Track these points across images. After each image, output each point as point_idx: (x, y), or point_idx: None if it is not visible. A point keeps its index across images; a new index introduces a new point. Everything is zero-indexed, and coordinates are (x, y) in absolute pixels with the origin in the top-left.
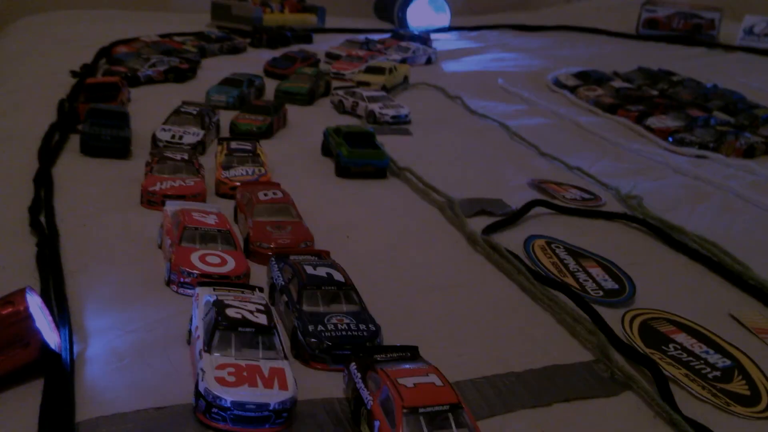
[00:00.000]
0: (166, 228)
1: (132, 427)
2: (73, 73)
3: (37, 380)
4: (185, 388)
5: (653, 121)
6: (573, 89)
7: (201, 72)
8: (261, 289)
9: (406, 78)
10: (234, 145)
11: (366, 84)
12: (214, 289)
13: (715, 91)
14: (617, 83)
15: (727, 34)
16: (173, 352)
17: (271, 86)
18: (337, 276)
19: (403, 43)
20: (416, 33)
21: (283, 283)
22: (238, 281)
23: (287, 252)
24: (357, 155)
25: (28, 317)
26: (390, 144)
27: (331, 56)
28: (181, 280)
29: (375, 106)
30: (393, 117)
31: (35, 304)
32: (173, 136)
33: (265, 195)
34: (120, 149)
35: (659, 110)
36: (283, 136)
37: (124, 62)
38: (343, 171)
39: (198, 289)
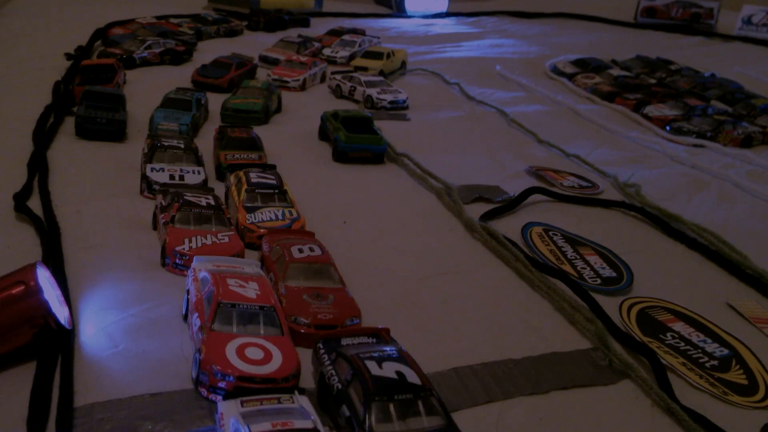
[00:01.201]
0: (194, 300)
1: (127, 413)
2: (68, 56)
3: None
4: (180, 374)
5: (651, 110)
6: (571, 77)
7: (197, 54)
8: (302, 391)
9: (403, 63)
10: (255, 176)
11: (364, 69)
12: (242, 404)
13: (713, 80)
14: (615, 71)
15: (725, 23)
16: (169, 337)
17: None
18: (411, 375)
19: (346, 37)
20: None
21: (339, 386)
22: (286, 384)
23: (336, 334)
24: (354, 140)
25: (38, 292)
26: (388, 129)
27: (267, 60)
28: (217, 384)
29: (373, 91)
30: (391, 102)
31: (45, 278)
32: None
33: (300, 251)
34: (115, 132)
35: (657, 99)
36: (280, 120)
37: (119, 44)
38: (341, 156)
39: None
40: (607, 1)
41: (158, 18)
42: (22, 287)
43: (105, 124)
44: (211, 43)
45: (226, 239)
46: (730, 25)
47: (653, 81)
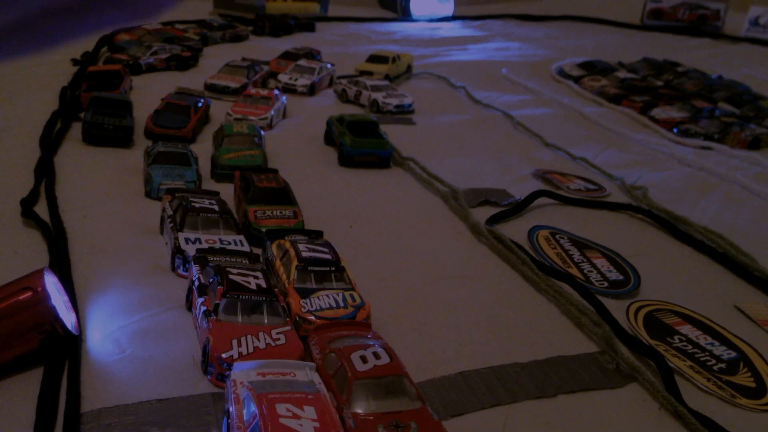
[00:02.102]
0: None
1: (134, 418)
2: (75, 61)
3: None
4: (187, 380)
5: (658, 112)
6: (577, 79)
7: (202, 60)
8: None
9: (409, 67)
10: (305, 249)
11: (369, 73)
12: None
13: (720, 82)
14: (622, 74)
15: (732, 25)
16: (176, 343)
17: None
18: None
19: (303, 63)
20: (309, 50)
21: None
22: None
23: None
24: (360, 144)
25: (46, 299)
26: (393, 133)
27: (215, 89)
28: None
29: (378, 96)
30: (396, 106)
31: (52, 284)
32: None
33: (364, 359)
34: (122, 138)
35: (664, 101)
36: (286, 125)
37: (125, 50)
38: (347, 160)
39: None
40: (613, 3)
41: (164, 24)
42: (30, 294)
43: (112, 130)
44: (217, 49)
45: (283, 339)
46: (737, 26)
47: (660, 83)
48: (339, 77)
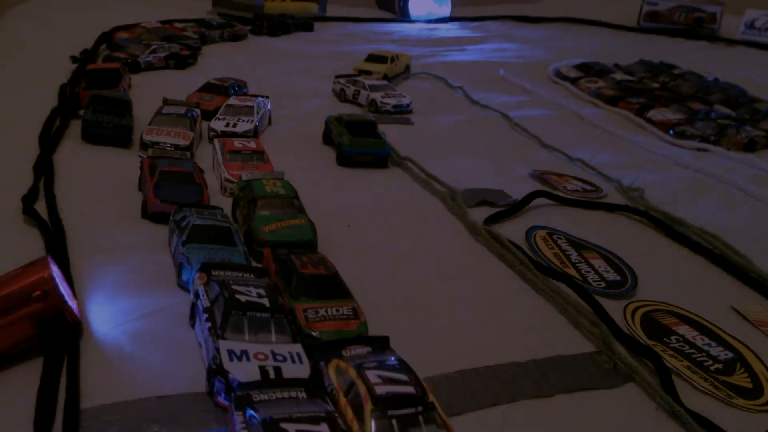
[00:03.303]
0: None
1: (134, 415)
2: (74, 59)
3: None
4: (187, 377)
5: (654, 114)
6: (574, 81)
7: (201, 58)
8: None
9: (407, 67)
10: (373, 373)
11: (367, 73)
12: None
13: (716, 84)
14: (618, 75)
15: (728, 27)
16: (176, 340)
17: None
18: None
19: (235, 102)
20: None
21: None
22: None
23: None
24: (358, 144)
25: (54, 285)
26: (391, 133)
27: (146, 147)
28: None
29: (377, 95)
30: (395, 106)
31: (57, 272)
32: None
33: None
34: (121, 137)
35: (660, 103)
36: (285, 124)
37: (124, 48)
38: (345, 160)
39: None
40: (610, 6)
41: (163, 22)
42: (38, 278)
43: (111, 129)
44: (216, 47)
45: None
46: (733, 29)
47: (656, 85)
48: (337, 76)
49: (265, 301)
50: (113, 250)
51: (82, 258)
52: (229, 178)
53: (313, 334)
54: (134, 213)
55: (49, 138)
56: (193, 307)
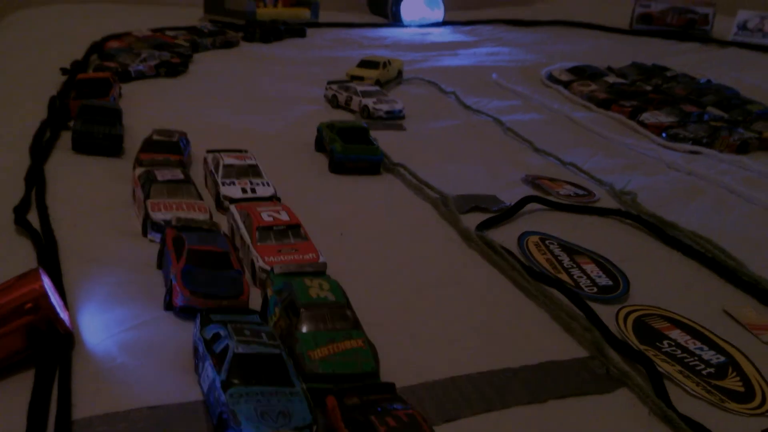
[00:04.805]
0: None
1: (125, 426)
2: (63, 70)
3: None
4: (178, 388)
5: (647, 117)
6: (567, 84)
7: (193, 66)
8: None
9: (400, 73)
10: None
11: (360, 78)
12: None
13: (709, 86)
14: (611, 78)
15: (720, 29)
16: (167, 351)
17: None
18: None
19: (232, 159)
20: None
21: None
22: None
23: None
24: (351, 151)
25: (46, 296)
26: (384, 139)
27: None
28: None
29: (369, 101)
30: (387, 112)
31: (48, 283)
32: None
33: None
34: (112, 147)
35: (653, 106)
36: (277, 131)
37: (115, 57)
38: (337, 166)
39: None
40: (602, 8)
41: (154, 31)
42: (29, 290)
43: (102, 138)
44: (207, 55)
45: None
46: (726, 30)
47: (649, 88)
48: (329, 82)
49: None
50: (105, 260)
51: (74, 268)
52: (266, 267)
53: None
54: (126, 223)
55: (40, 149)
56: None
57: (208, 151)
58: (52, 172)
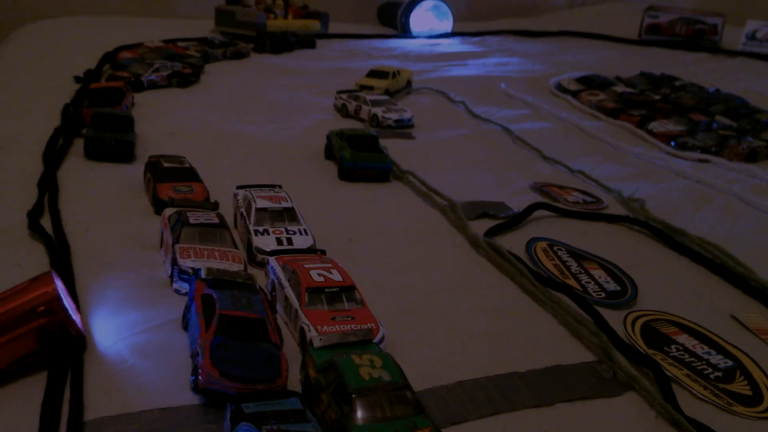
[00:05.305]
0: None
1: (137, 427)
2: (77, 79)
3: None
4: (188, 390)
5: (656, 126)
6: (575, 94)
7: (204, 77)
8: None
9: (409, 82)
10: None
11: (369, 88)
12: None
13: (718, 95)
14: (620, 88)
15: (729, 39)
16: (178, 353)
17: None
18: None
19: (264, 201)
20: None
21: None
22: None
23: None
24: (360, 158)
25: (58, 299)
26: (393, 148)
27: None
28: None
29: (378, 110)
30: (396, 121)
31: (60, 286)
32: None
33: None
34: (124, 153)
35: (662, 115)
36: (287, 139)
37: (127, 67)
38: (347, 174)
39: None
40: (611, 18)
41: (166, 42)
42: (45, 316)
43: (114, 145)
44: (218, 66)
45: None
46: (734, 40)
47: (658, 97)
48: (339, 92)
49: None
50: (117, 264)
51: (87, 272)
52: (320, 336)
53: None
54: (137, 228)
55: (53, 155)
56: None
57: (239, 188)
58: (64, 178)
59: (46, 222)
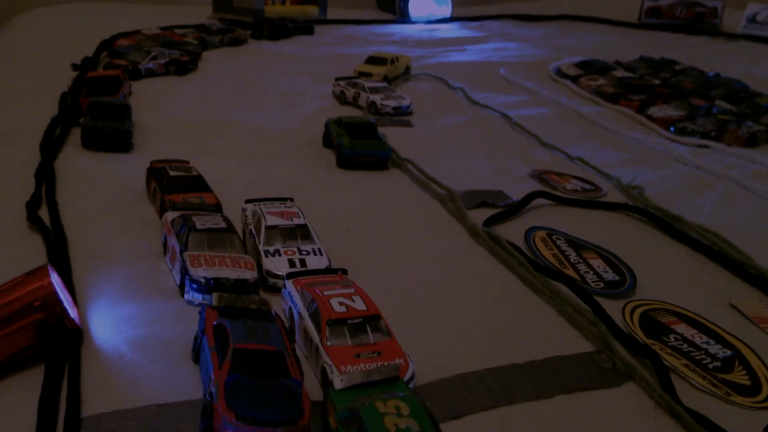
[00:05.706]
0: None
1: (134, 423)
2: (74, 66)
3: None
4: (187, 385)
5: (655, 111)
6: (575, 79)
7: (202, 64)
8: None
9: (407, 68)
10: None
11: (367, 75)
12: None
13: (718, 79)
14: (619, 73)
15: (729, 22)
16: (176, 348)
17: None
18: None
19: (275, 218)
20: None
21: None
22: None
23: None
24: (358, 146)
25: (54, 293)
26: (391, 135)
27: None
28: None
29: (377, 97)
30: (394, 108)
31: (57, 280)
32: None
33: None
34: (121, 142)
35: (661, 99)
36: (285, 127)
37: (125, 55)
38: (345, 162)
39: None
40: (611, 2)
41: (163, 29)
42: (42, 310)
43: (111, 134)
44: (216, 53)
45: None
46: (735, 23)
47: (657, 82)
48: (337, 79)
49: None
50: (114, 257)
51: (84, 265)
52: (341, 377)
53: None
54: (135, 218)
55: (50, 145)
56: None
57: (247, 201)
58: (62, 168)
59: (43, 213)
